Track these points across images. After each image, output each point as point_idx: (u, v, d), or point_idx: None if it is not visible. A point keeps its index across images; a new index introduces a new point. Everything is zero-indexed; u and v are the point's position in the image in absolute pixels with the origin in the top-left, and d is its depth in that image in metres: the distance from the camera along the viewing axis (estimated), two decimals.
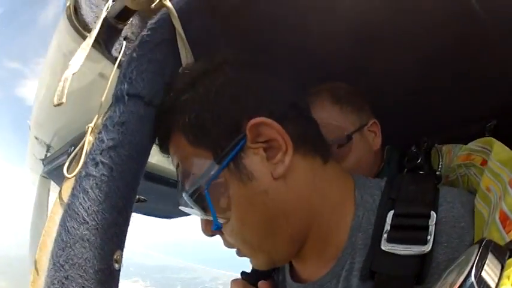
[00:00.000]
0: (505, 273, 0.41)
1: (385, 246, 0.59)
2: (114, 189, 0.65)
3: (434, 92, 1.09)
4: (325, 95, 1.03)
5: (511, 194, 0.53)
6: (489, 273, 0.40)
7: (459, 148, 0.82)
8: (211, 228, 0.66)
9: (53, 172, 1.54)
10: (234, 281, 0.85)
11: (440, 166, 0.85)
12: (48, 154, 1.51)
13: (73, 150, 1.19)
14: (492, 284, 0.39)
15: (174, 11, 0.75)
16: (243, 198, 0.62)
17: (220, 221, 0.65)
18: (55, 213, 0.68)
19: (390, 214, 0.62)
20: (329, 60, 1.02)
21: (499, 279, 0.40)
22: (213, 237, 0.71)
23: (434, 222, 0.58)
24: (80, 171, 0.66)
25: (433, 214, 0.59)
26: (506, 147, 0.64)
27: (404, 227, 0.60)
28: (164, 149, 0.72)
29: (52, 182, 1.83)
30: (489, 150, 0.66)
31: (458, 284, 0.40)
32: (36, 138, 1.48)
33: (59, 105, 0.69)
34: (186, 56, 0.81)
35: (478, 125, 1.13)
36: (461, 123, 1.10)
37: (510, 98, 1.06)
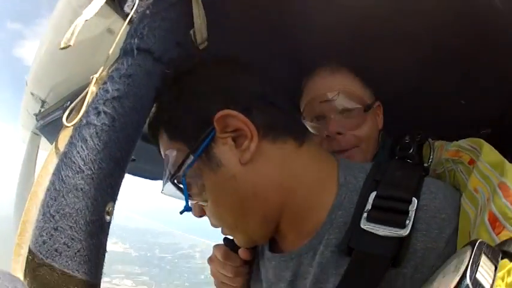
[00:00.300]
0: (499, 274, 0.41)
1: (364, 224, 0.62)
2: (113, 140, 0.63)
3: (433, 93, 1.09)
4: (348, 68, 1.07)
5: (500, 196, 0.54)
6: (483, 274, 0.40)
7: (450, 145, 0.83)
8: (183, 210, 0.73)
9: (45, 127, 1.51)
10: (216, 247, 0.88)
11: (430, 159, 0.88)
12: (43, 110, 1.48)
13: (69, 105, 1.16)
14: (487, 285, 0.40)
15: None
16: (215, 183, 0.68)
17: (202, 203, 0.72)
18: (49, 163, 0.66)
19: (373, 195, 0.64)
20: (328, 54, 1.04)
21: (493, 280, 0.40)
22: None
23: (414, 208, 0.60)
24: (80, 120, 0.64)
25: (415, 200, 0.61)
26: (495, 150, 0.66)
27: (385, 209, 0.62)
28: (156, 143, 0.77)
29: (42, 140, 1.80)
30: (478, 151, 0.67)
31: (453, 285, 0.41)
32: (32, 94, 1.44)
33: (65, 48, 0.66)
34: (199, 17, 0.81)
35: (472, 131, 1.10)
36: (455, 127, 1.09)
37: (506, 108, 1.07)
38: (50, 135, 1.58)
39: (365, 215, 0.62)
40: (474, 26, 0.87)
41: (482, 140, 0.70)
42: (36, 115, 1.52)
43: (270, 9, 0.94)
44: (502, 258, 0.43)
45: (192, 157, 0.66)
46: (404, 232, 0.58)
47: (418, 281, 0.57)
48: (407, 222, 0.59)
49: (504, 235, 0.50)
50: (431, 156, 0.89)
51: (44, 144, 1.80)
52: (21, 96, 1.63)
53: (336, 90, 1.02)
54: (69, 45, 0.65)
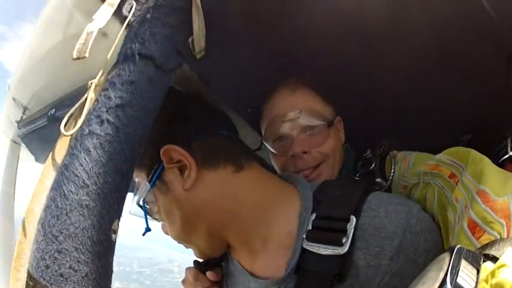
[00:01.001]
0: (483, 277, 0.41)
1: (305, 244, 0.67)
2: (118, 151, 0.59)
3: (412, 102, 1.08)
4: (309, 86, 1.06)
5: (479, 202, 0.56)
6: (465, 278, 0.41)
7: (414, 155, 0.87)
8: (144, 232, 0.85)
9: (27, 136, 1.43)
10: (188, 269, 0.95)
11: (392, 173, 0.91)
12: (24, 117, 1.40)
13: (54, 113, 1.10)
14: None
15: None
16: (166, 206, 0.79)
17: (161, 222, 0.85)
18: (46, 177, 0.60)
19: (313, 216, 0.70)
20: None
21: (476, 283, 0.41)
22: None
23: (353, 226, 0.64)
24: (81, 129, 0.59)
25: (353, 218, 0.64)
26: (479, 157, 0.66)
27: (323, 229, 0.67)
28: None
29: (22, 149, 1.71)
30: (461, 166, 0.68)
31: None
32: (14, 99, 1.37)
33: (78, 59, 0.62)
34: (198, 26, 0.79)
35: (451, 138, 1.12)
36: (435, 135, 1.09)
37: (487, 115, 1.07)
38: (32, 144, 1.51)
39: (304, 235, 0.67)
40: (460, 32, 0.87)
41: (463, 152, 0.70)
42: (18, 122, 1.44)
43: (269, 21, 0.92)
44: (483, 261, 0.44)
45: (148, 185, 0.78)
46: (342, 250, 0.62)
47: None
48: (344, 240, 0.62)
49: (485, 239, 0.51)
50: (392, 170, 0.91)
51: (25, 155, 1.71)
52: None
53: (298, 109, 1.00)
54: (85, 57, 0.61)
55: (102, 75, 0.66)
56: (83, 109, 0.61)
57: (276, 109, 1.04)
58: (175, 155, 0.76)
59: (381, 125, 1.11)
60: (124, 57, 0.66)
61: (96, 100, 0.61)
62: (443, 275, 0.41)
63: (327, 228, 0.66)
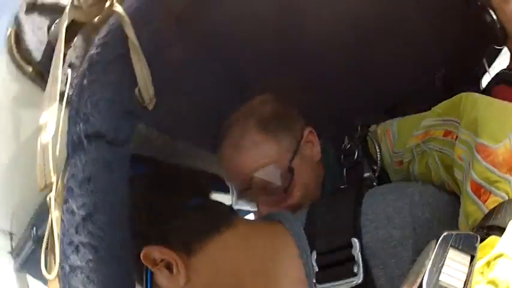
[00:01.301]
0: (478, 267, 0.37)
1: (319, 287, 0.62)
2: (110, 275, 0.49)
3: (385, 52, 0.99)
4: (251, 123, 0.91)
5: (479, 159, 0.53)
6: (451, 274, 0.36)
7: (396, 123, 0.81)
8: None
9: (25, 265, 1.30)
10: None
11: (378, 154, 0.83)
12: (14, 244, 1.28)
13: (36, 233, 0.97)
14: (459, 285, 0.35)
15: (126, 17, 0.59)
16: None
17: None
18: None
19: (314, 255, 0.64)
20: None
21: (468, 275, 0.36)
22: None
23: (358, 249, 0.59)
24: (61, 268, 0.48)
25: (355, 241, 0.60)
26: (472, 102, 0.62)
27: (330, 265, 0.62)
28: None
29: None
30: (456, 121, 0.64)
31: None
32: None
33: (46, 187, 0.52)
34: (141, 70, 0.65)
35: (427, 76, 1.08)
36: (411, 77, 1.05)
37: (457, 46, 1.03)
38: (34, 271, 1.37)
39: (314, 279, 0.63)
40: None
41: (453, 104, 0.66)
42: (10, 253, 1.32)
43: None
44: (487, 235, 0.41)
45: None
46: (359, 279, 0.58)
47: None
48: (355, 269, 0.59)
49: (492, 202, 0.48)
50: (377, 151, 0.83)
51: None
52: None
53: (246, 174, 0.88)
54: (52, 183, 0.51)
55: (57, 182, 0.53)
56: (54, 238, 0.50)
57: (227, 172, 0.95)
58: (155, 255, 0.69)
59: (349, 92, 1.02)
60: (72, 148, 0.55)
61: (62, 221, 0.50)
62: (420, 279, 0.37)
63: (333, 263, 0.62)
